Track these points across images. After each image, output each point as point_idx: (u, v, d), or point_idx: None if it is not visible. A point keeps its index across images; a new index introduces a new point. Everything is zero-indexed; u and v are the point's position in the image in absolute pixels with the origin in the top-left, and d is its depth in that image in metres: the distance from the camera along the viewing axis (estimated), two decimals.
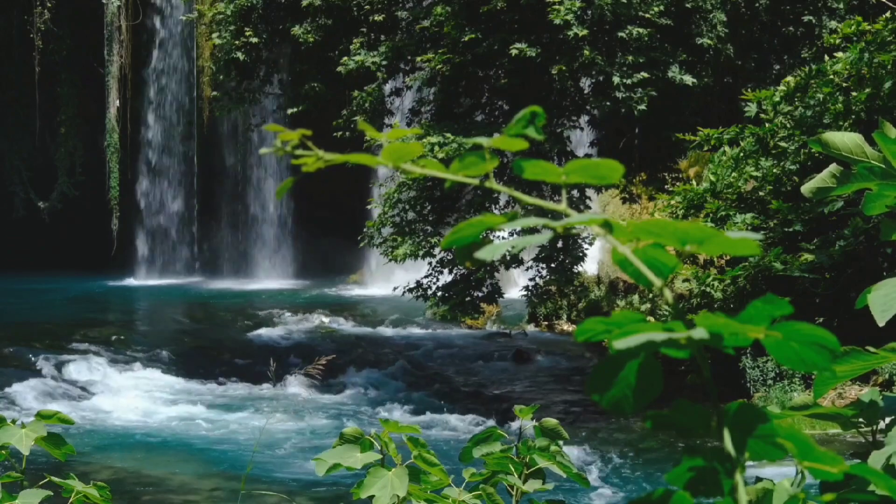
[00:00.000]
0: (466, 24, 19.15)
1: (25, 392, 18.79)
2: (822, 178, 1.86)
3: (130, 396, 19.16)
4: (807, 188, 1.91)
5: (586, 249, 20.03)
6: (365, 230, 19.89)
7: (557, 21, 17.98)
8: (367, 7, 20.83)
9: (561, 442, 2.74)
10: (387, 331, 26.29)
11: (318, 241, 37.45)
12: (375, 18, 20.70)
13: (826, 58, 16.86)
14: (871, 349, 1.63)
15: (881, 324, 1.64)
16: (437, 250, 19.31)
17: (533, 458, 2.70)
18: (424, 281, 20.01)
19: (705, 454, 1.01)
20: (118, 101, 37.69)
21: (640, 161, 21.23)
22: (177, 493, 13.68)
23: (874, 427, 1.72)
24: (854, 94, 15.96)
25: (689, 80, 18.55)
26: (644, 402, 1.01)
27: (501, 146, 1.09)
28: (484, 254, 1.05)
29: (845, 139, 1.83)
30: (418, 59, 19.90)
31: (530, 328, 26.66)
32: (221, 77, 23.03)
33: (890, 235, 1.79)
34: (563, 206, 1.05)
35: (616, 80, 18.29)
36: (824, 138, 1.86)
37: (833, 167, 1.84)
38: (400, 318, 27.17)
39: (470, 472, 2.70)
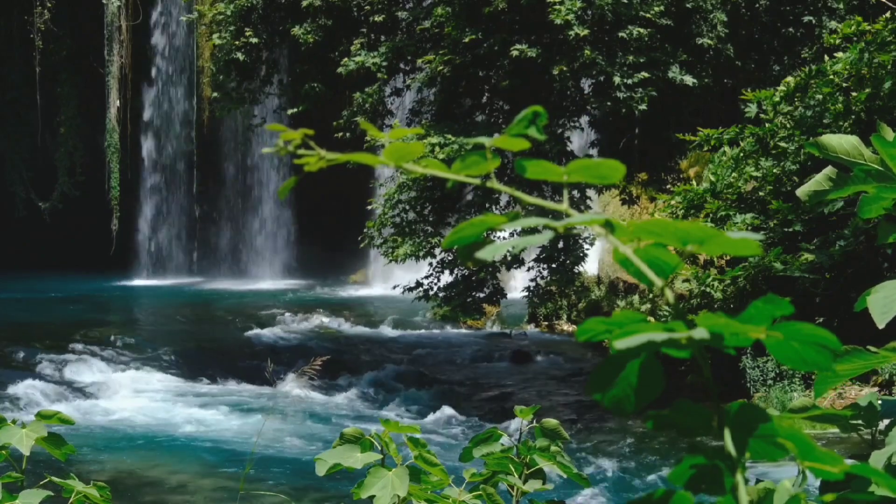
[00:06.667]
0: (467, 25, 19.14)
1: (25, 392, 18.79)
2: (817, 181, 1.85)
3: (130, 396, 19.15)
4: (802, 191, 1.89)
5: (587, 250, 20.02)
6: (365, 230, 19.89)
7: (558, 21, 17.97)
8: (367, 7, 20.83)
9: (561, 442, 2.74)
10: (387, 331, 26.30)
11: (319, 240, 37.45)
12: (375, 19, 20.70)
13: (826, 58, 16.85)
14: (872, 349, 1.64)
15: (881, 326, 1.64)
16: (437, 251, 19.30)
17: (533, 458, 2.70)
18: (425, 281, 20.00)
19: (707, 452, 1.01)
20: (118, 101, 37.69)
21: (641, 161, 21.22)
22: (176, 493, 13.68)
23: (874, 429, 1.72)
24: (854, 94, 15.94)
25: (689, 80, 18.56)
26: (645, 402, 1.01)
27: (503, 146, 1.09)
28: (485, 253, 1.05)
29: (842, 141, 1.82)
30: (419, 59, 19.90)
31: (530, 328, 26.67)
32: (221, 77, 23.02)
33: (886, 238, 1.78)
34: (564, 206, 1.05)
35: (616, 80, 18.28)
36: (821, 141, 1.85)
37: (829, 170, 1.83)
38: (400, 319, 27.19)
39: (470, 472, 2.70)
